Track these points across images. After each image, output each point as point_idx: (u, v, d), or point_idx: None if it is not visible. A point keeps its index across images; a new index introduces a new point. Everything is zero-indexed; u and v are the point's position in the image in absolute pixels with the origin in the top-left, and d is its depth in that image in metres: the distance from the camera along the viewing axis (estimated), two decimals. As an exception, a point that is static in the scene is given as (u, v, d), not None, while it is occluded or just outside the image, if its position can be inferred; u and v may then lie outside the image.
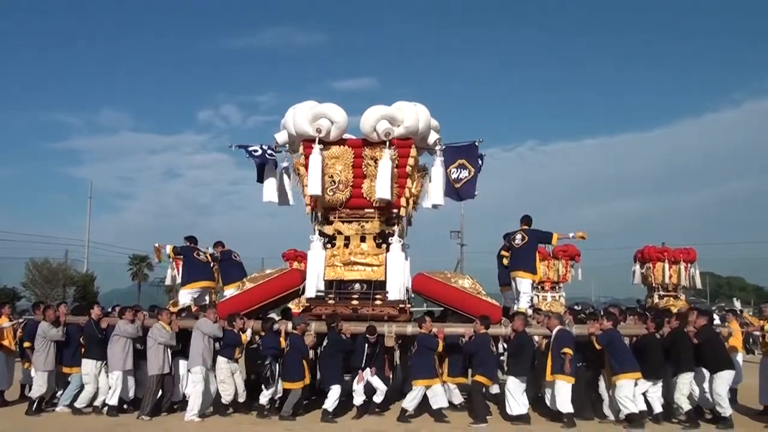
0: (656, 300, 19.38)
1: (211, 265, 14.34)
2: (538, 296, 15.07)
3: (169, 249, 14.27)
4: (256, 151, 13.05)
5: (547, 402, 11.38)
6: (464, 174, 12.60)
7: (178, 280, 15.92)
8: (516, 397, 11.11)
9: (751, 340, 17.01)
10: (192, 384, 11.50)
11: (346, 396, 11.80)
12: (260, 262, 45.14)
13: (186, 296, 13.79)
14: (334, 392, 11.28)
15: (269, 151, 13.07)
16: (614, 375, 10.86)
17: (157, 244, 14.62)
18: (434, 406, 11.32)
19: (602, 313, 12.39)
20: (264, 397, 11.52)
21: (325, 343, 11.65)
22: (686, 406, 10.95)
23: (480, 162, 12.94)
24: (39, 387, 11.88)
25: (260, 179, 13.36)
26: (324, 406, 11.26)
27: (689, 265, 19.73)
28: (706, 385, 11.16)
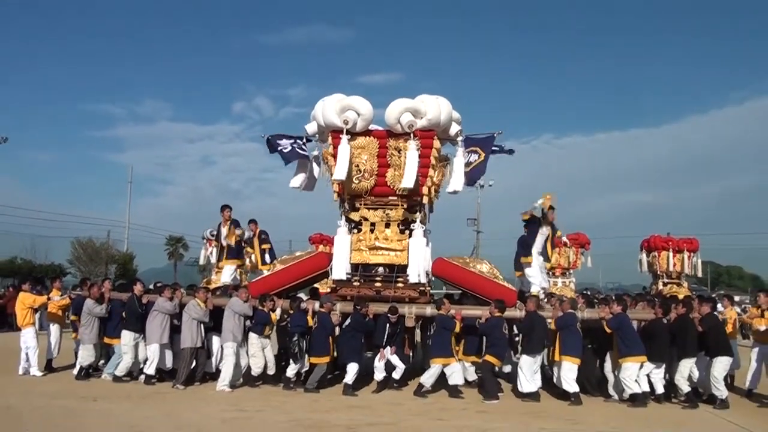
0: (660, 287, 19.18)
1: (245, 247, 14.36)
2: (548, 282, 14.88)
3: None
4: (285, 147, 13.03)
5: (555, 381, 11.30)
6: (474, 158, 12.45)
7: (212, 260, 15.91)
8: (527, 375, 11.07)
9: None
10: (224, 358, 11.53)
11: (367, 371, 11.75)
12: (288, 244, 45.35)
13: (228, 273, 13.88)
14: (353, 368, 11.26)
15: (298, 143, 13.00)
16: (621, 357, 10.76)
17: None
18: (451, 383, 11.29)
19: (614, 298, 12.24)
20: (291, 371, 11.56)
21: (347, 322, 11.60)
22: (686, 387, 10.90)
23: (503, 150, 12.77)
24: (86, 357, 12.16)
25: (287, 161, 13.27)
26: (345, 381, 11.27)
27: (692, 254, 19.52)
28: (704, 369, 11.11)
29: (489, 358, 11.38)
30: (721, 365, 10.79)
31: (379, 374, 11.56)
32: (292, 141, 13.07)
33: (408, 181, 11.70)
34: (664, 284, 19.23)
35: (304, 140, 13.05)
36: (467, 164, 12.38)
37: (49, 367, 12.85)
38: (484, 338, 11.87)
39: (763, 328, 11.40)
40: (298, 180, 13.32)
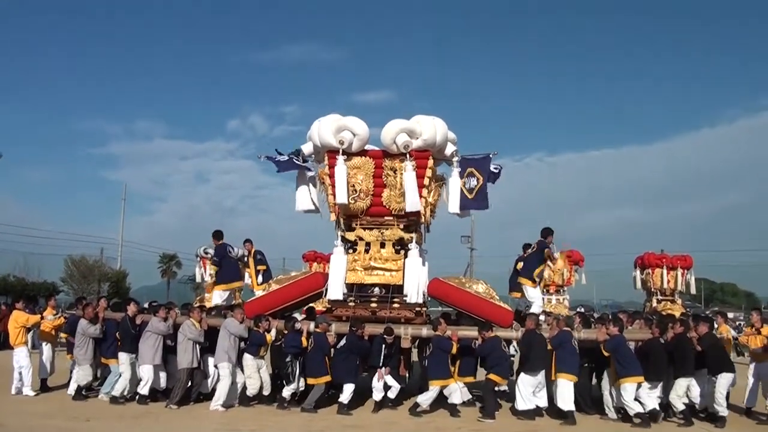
0: (654, 304, 19.17)
1: (239, 264, 14.27)
2: (543, 299, 14.85)
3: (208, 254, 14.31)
4: (282, 158, 12.97)
5: (554, 399, 11.22)
6: (474, 183, 12.44)
7: (206, 278, 15.82)
8: (524, 393, 11.02)
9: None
10: (220, 378, 11.45)
11: (362, 391, 11.71)
12: (282, 261, 45.24)
13: (218, 296, 13.72)
14: (348, 389, 11.20)
15: (296, 159, 12.98)
16: (619, 378, 10.73)
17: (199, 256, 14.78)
18: (450, 401, 11.31)
19: (610, 317, 12.24)
20: (287, 391, 11.48)
21: (342, 343, 11.53)
22: (680, 406, 10.84)
23: (497, 171, 12.78)
24: (83, 377, 12.06)
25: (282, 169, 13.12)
26: (340, 400, 11.21)
27: (686, 271, 19.53)
28: (706, 387, 11.09)
29: (492, 376, 11.31)
30: (725, 381, 10.78)
31: (377, 394, 11.45)
32: (289, 155, 13.05)
33: (412, 204, 11.77)
34: (658, 301, 19.22)
35: (301, 158, 13.01)
36: (470, 190, 12.37)
37: (43, 387, 12.76)
38: (483, 359, 11.75)
39: (759, 350, 11.40)
40: (306, 202, 13.21)
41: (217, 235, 13.94)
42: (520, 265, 13.25)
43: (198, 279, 17.91)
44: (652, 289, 19.53)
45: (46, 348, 13.01)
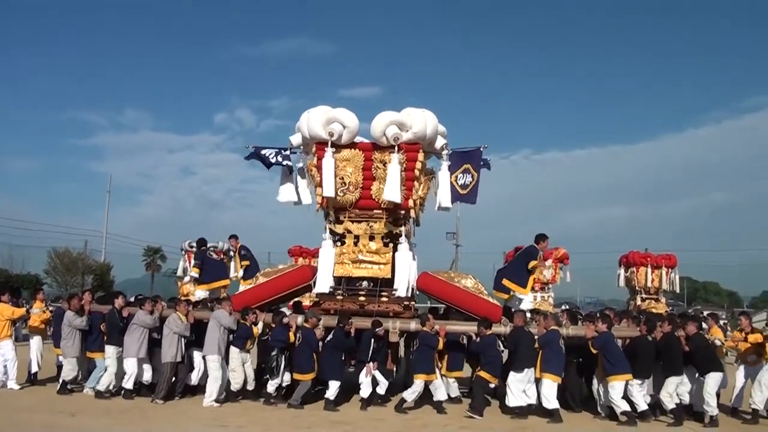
0: (638, 302, 19.22)
1: (223, 259, 14.14)
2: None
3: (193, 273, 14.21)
4: (269, 155, 12.85)
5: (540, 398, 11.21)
6: (468, 179, 12.36)
7: (189, 272, 15.69)
8: (515, 391, 10.96)
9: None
10: (210, 372, 11.33)
11: (349, 386, 11.65)
12: (267, 256, 45.01)
13: (202, 293, 13.63)
14: (335, 385, 11.13)
15: (283, 153, 12.85)
16: (607, 376, 10.72)
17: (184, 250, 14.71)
18: (435, 398, 11.26)
19: (598, 315, 12.22)
20: (271, 386, 11.39)
21: (329, 339, 11.45)
22: (670, 404, 10.80)
23: (484, 164, 12.72)
24: (69, 371, 11.95)
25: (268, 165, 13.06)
26: (326, 396, 11.14)
27: (670, 270, 19.59)
28: (694, 386, 11.09)
29: (483, 374, 11.23)
30: (713, 381, 10.70)
31: (365, 390, 11.35)
32: (276, 151, 12.89)
33: (391, 194, 11.58)
34: (642, 300, 19.29)
35: (289, 151, 12.90)
36: (463, 186, 12.28)
37: (33, 380, 12.71)
38: (476, 356, 11.68)
39: (753, 357, 11.42)
40: (287, 194, 13.07)
41: (200, 242, 14.32)
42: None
43: (179, 272, 17.83)
44: (637, 288, 19.59)
45: (35, 341, 12.94)
